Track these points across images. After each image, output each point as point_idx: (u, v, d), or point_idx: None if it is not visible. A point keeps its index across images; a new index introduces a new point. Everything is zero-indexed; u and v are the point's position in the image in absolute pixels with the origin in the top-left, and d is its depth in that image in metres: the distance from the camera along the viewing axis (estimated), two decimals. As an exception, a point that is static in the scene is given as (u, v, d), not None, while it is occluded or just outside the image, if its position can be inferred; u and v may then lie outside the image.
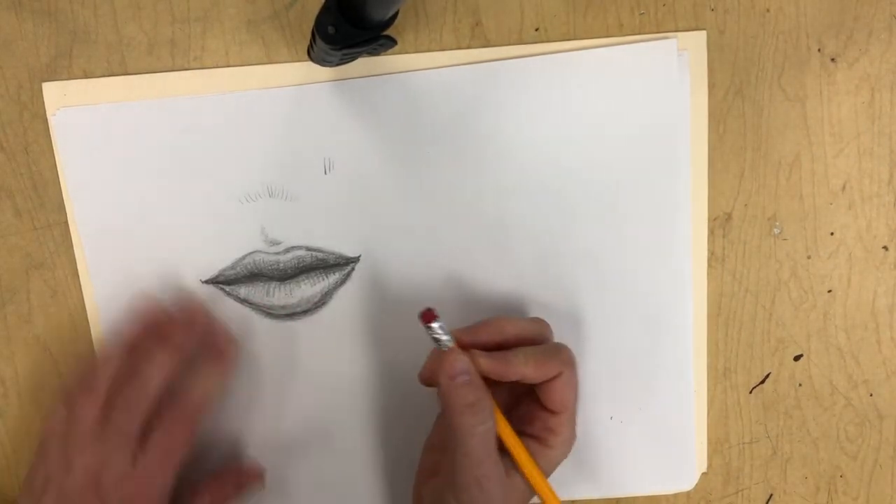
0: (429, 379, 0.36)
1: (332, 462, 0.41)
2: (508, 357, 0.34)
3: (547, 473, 0.36)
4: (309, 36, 0.35)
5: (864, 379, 0.41)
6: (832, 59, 0.38)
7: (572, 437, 0.36)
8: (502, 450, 0.35)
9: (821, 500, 0.43)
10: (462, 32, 0.38)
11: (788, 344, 0.41)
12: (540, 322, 0.37)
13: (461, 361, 0.34)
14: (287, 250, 0.39)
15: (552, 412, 0.35)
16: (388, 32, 0.32)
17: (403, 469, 0.40)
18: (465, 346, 0.34)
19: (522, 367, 0.34)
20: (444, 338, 0.34)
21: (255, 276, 0.39)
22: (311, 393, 0.40)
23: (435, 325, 0.33)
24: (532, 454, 0.35)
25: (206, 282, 0.39)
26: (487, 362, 0.34)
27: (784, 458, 0.42)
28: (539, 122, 0.38)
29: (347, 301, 0.39)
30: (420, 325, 0.34)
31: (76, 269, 0.39)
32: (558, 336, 0.38)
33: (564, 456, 0.36)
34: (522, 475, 0.35)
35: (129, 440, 0.34)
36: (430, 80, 0.38)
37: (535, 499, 0.36)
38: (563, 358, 0.35)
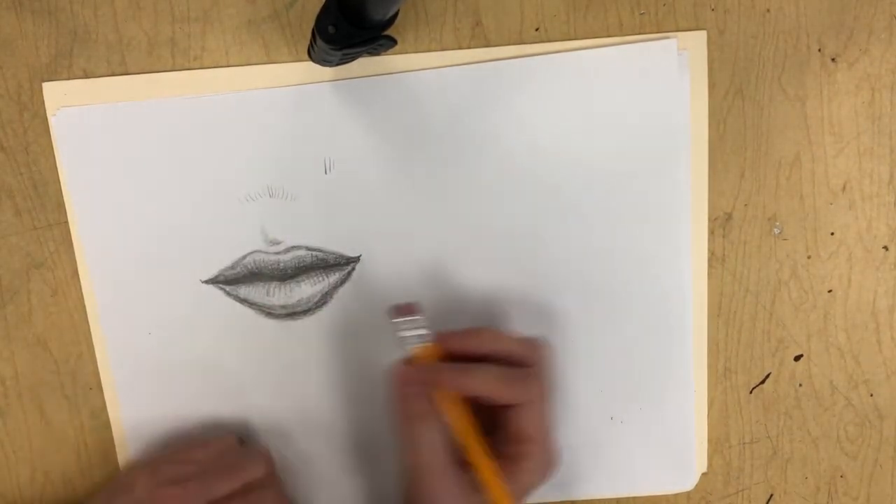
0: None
1: (331, 461, 0.41)
2: (471, 371, 0.33)
3: (517, 497, 0.34)
4: (309, 36, 0.35)
5: (864, 379, 0.41)
6: (832, 59, 0.38)
7: (547, 464, 0.35)
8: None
9: (821, 500, 0.43)
10: (462, 32, 0.38)
11: (788, 344, 0.41)
12: (531, 344, 0.35)
13: (414, 372, 0.33)
14: (287, 250, 0.39)
15: (516, 441, 0.34)
16: (388, 32, 0.32)
17: (403, 467, 0.40)
18: (442, 349, 0.34)
19: (481, 385, 0.33)
20: (413, 334, 0.33)
21: (255, 275, 0.39)
22: (310, 392, 0.40)
23: (401, 319, 0.33)
24: (505, 475, 0.33)
25: (206, 282, 0.39)
26: (448, 374, 0.33)
27: (784, 458, 0.42)
28: (539, 122, 0.38)
29: (347, 301, 0.39)
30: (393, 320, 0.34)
31: (76, 269, 0.39)
32: (558, 336, 0.38)
33: (540, 481, 0.35)
34: (486, 493, 0.33)
35: None
36: (431, 80, 0.38)
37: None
38: (532, 387, 0.34)
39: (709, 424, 0.41)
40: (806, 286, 0.40)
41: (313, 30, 0.31)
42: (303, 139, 0.38)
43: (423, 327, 0.34)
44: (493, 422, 0.34)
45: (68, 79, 0.37)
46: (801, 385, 0.41)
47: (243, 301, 0.39)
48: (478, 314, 0.39)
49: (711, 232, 0.40)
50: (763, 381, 0.41)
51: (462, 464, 0.33)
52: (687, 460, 0.41)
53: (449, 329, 0.35)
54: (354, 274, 0.39)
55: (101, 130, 0.38)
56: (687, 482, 0.42)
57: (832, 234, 0.40)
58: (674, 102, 0.38)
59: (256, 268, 0.39)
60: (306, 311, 0.39)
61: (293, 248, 0.39)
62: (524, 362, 0.35)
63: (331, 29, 0.30)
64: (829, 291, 0.40)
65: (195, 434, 0.40)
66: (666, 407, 0.41)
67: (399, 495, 0.41)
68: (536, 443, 0.34)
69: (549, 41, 0.38)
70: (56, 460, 0.41)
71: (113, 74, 0.38)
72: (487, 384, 0.33)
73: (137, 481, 0.35)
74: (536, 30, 0.38)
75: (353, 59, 0.35)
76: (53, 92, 0.37)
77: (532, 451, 0.34)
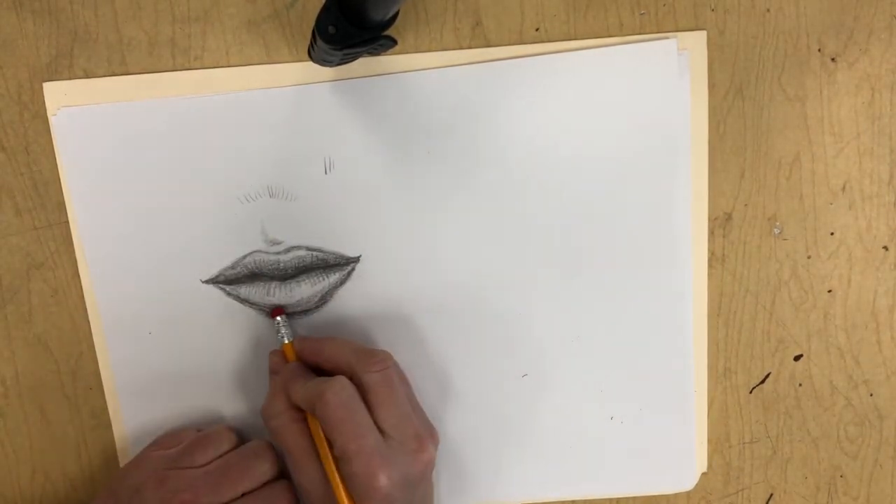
0: None
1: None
2: (284, 371, 0.37)
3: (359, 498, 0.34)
4: (309, 36, 0.35)
5: (864, 379, 0.41)
6: (832, 59, 0.38)
7: (385, 479, 0.33)
8: None
9: (821, 500, 0.43)
10: (462, 32, 0.38)
11: (788, 344, 0.41)
12: (364, 358, 0.36)
13: (274, 364, 0.38)
14: (287, 250, 0.39)
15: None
16: (388, 32, 0.32)
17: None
18: (298, 350, 0.38)
19: (295, 394, 0.36)
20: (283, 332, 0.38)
21: (255, 275, 0.39)
22: (311, 393, 0.40)
23: (279, 318, 0.38)
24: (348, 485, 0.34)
25: (207, 282, 0.39)
26: (289, 382, 0.37)
27: (784, 458, 0.42)
28: (539, 122, 0.38)
29: (347, 301, 0.39)
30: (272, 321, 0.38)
31: (76, 269, 0.39)
32: (558, 335, 0.38)
33: (402, 475, 0.34)
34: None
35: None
36: (430, 80, 0.38)
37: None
38: (321, 395, 0.34)
39: (709, 424, 0.41)
40: (806, 286, 0.40)
41: (313, 30, 0.31)
42: (303, 139, 0.38)
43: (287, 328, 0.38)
44: None
45: (69, 79, 0.37)
46: (801, 385, 0.41)
47: (243, 301, 0.39)
48: (477, 314, 0.40)
49: (711, 232, 0.40)
50: (763, 381, 0.41)
51: None
52: (687, 460, 0.41)
53: (309, 336, 0.39)
54: (354, 274, 0.39)
55: (102, 130, 0.38)
56: (687, 482, 0.42)
57: (832, 234, 0.40)
58: (674, 102, 0.38)
59: (256, 268, 0.39)
60: (306, 311, 0.39)
61: (293, 248, 0.39)
62: (352, 372, 0.36)
63: (331, 29, 0.30)
64: (829, 291, 0.40)
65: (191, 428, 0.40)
66: (666, 406, 0.41)
67: None
68: (348, 449, 0.33)
69: (549, 41, 0.38)
70: (56, 460, 0.41)
71: (113, 74, 0.38)
72: (298, 393, 0.36)
73: (146, 492, 0.35)
74: (536, 30, 0.38)
75: (353, 59, 0.35)
76: (54, 92, 0.37)
77: (349, 457, 0.33)
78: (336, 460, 0.34)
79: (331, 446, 0.34)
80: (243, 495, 0.36)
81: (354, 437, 0.33)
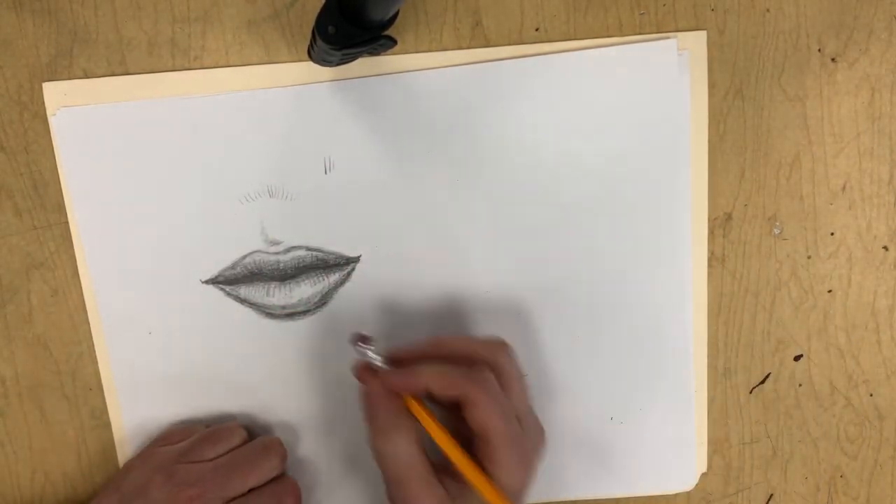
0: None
1: (331, 461, 0.41)
2: (416, 370, 0.33)
3: (515, 489, 0.33)
4: (309, 36, 0.35)
5: (864, 379, 0.41)
6: (832, 59, 0.38)
7: (526, 451, 0.33)
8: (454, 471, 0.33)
9: (821, 500, 0.43)
10: (462, 32, 0.38)
11: (788, 344, 0.41)
12: (487, 344, 0.35)
13: (374, 384, 0.34)
14: (287, 250, 0.39)
15: (482, 440, 0.33)
16: (388, 32, 0.32)
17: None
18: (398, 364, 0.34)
19: (426, 380, 0.33)
20: (376, 358, 0.34)
21: (255, 275, 0.39)
22: (310, 393, 0.40)
23: (365, 347, 0.34)
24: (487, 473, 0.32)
25: (206, 282, 0.39)
26: (394, 378, 0.33)
27: (784, 458, 0.42)
28: (539, 122, 0.38)
29: (347, 301, 0.39)
30: (356, 347, 0.34)
31: (76, 269, 0.39)
32: (558, 335, 0.38)
33: (519, 487, 0.33)
34: (476, 491, 0.32)
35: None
36: (430, 80, 0.38)
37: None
38: (476, 379, 0.33)
39: (709, 424, 0.41)
40: (806, 286, 0.40)
41: (313, 30, 0.31)
42: (302, 139, 0.38)
43: (378, 354, 0.34)
44: (461, 432, 0.34)
45: (68, 79, 0.37)
46: (801, 385, 0.41)
47: (243, 301, 0.39)
48: (477, 313, 0.40)
49: (711, 232, 0.40)
50: (763, 381, 0.41)
51: (439, 472, 0.33)
52: (687, 460, 0.41)
53: (401, 345, 0.35)
54: (354, 274, 0.39)
55: (101, 130, 0.38)
56: (687, 482, 0.42)
57: (832, 234, 0.40)
58: (674, 103, 0.38)
59: (256, 268, 0.39)
60: (306, 311, 0.39)
61: (293, 248, 0.39)
62: (479, 361, 0.34)
63: (331, 29, 0.30)
64: (829, 291, 0.40)
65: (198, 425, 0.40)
66: (666, 407, 0.41)
67: None
68: (501, 434, 0.32)
69: (549, 41, 0.38)
70: (56, 460, 0.41)
71: (113, 74, 0.38)
72: (433, 380, 0.33)
73: (152, 484, 0.35)
74: (536, 30, 0.38)
75: (353, 59, 0.35)
76: (53, 92, 0.37)
77: (499, 443, 0.32)
78: (476, 451, 0.33)
79: (469, 438, 0.33)
80: (250, 491, 0.36)
81: (507, 424, 0.32)
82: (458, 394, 0.32)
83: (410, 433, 0.33)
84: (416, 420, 0.34)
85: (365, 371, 0.34)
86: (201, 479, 0.35)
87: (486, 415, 0.32)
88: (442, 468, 0.33)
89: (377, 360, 0.34)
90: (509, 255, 0.39)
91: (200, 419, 0.40)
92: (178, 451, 0.37)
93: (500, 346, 0.35)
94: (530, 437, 0.34)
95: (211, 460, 0.36)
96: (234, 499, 0.35)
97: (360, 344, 0.34)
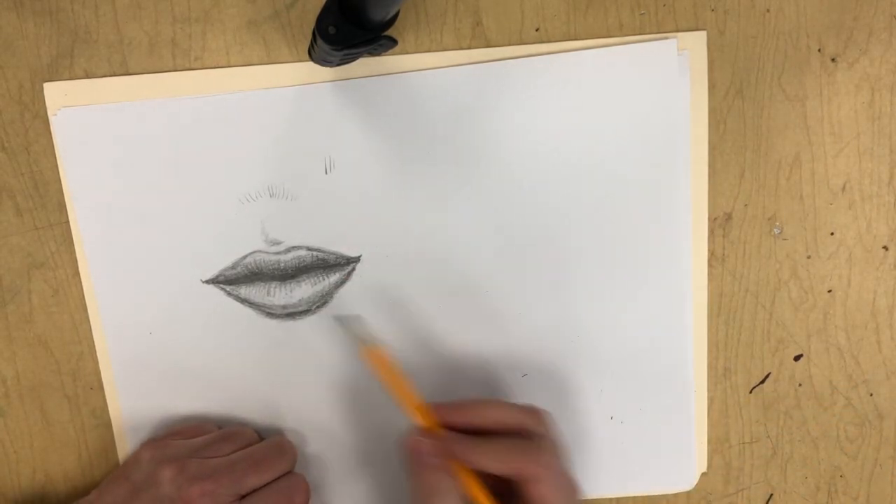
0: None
1: (331, 462, 0.41)
2: (482, 446, 0.33)
3: None
4: (310, 36, 0.35)
5: (864, 379, 0.41)
6: (832, 59, 0.38)
7: None
8: None
9: (821, 500, 0.43)
10: (462, 32, 0.38)
11: (788, 344, 0.41)
12: (534, 414, 0.35)
13: (429, 443, 0.33)
14: (288, 250, 0.39)
15: None
16: (388, 32, 0.32)
17: (403, 467, 0.40)
18: (440, 423, 0.34)
19: (492, 460, 0.32)
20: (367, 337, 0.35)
21: (255, 275, 0.39)
22: (310, 393, 0.40)
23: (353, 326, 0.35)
24: None
25: (207, 282, 0.39)
26: (459, 447, 0.33)
27: (784, 458, 0.42)
28: (539, 122, 0.38)
29: (347, 301, 0.39)
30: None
31: (77, 269, 0.39)
32: (558, 335, 0.38)
33: None
34: None
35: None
36: (431, 80, 0.38)
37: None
38: (539, 459, 0.33)
39: (709, 424, 0.41)
40: (806, 286, 0.40)
41: (314, 30, 0.31)
42: (303, 139, 0.38)
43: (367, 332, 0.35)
44: (506, 491, 0.34)
45: (69, 79, 0.37)
46: (800, 385, 0.41)
47: (243, 301, 0.39)
48: (478, 313, 0.40)
49: (711, 232, 0.40)
50: (763, 381, 0.41)
51: None
52: (687, 460, 0.41)
53: (450, 401, 0.35)
54: (354, 274, 0.39)
55: (102, 130, 0.38)
56: (687, 482, 0.42)
57: (832, 234, 0.40)
58: (674, 102, 0.38)
59: (257, 268, 0.39)
60: (306, 311, 0.39)
61: (293, 248, 0.39)
62: (530, 432, 0.34)
63: (331, 29, 0.30)
64: (829, 291, 0.40)
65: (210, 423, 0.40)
66: (666, 407, 0.41)
67: (397, 494, 0.41)
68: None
69: (549, 41, 0.38)
70: (57, 460, 0.41)
71: (114, 74, 0.38)
72: (499, 459, 0.33)
73: (163, 476, 0.35)
74: (536, 30, 0.38)
75: (353, 59, 0.35)
76: (54, 92, 0.37)
77: None
78: None
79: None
80: (259, 487, 0.36)
81: (567, 499, 0.33)
82: (521, 472, 0.32)
83: (456, 499, 0.33)
84: (457, 481, 0.33)
85: (422, 433, 0.34)
86: (215, 473, 0.35)
87: (549, 492, 0.32)
88: None
89: (368, 338, 0.35)
90: (508, 254, 0.39)
91: (201, 418, 0.40)
92: (191, 447, 0.37)
93: (545, 415, 0.35)
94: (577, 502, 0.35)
95: (225, 456, 0.37)
96: (245, 496, 0.35)
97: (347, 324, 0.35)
